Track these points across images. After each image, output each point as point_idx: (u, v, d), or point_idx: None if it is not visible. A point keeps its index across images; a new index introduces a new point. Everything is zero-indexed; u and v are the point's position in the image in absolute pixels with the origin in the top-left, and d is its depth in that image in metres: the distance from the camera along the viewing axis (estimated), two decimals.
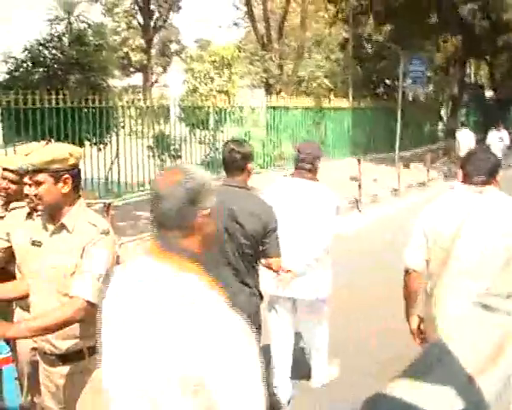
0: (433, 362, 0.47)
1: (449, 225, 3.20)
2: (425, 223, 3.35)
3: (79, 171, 2.93)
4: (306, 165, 4.35)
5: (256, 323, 3.52)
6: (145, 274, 1.83)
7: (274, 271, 3.86)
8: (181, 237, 1.83)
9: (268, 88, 23.46)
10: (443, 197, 3.46)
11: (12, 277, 3.26)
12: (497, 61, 36.59)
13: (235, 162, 3.66)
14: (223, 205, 2.91)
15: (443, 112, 32.62)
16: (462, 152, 17.26)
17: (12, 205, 3.58)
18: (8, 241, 3.39)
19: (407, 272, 3.41)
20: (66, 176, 2.80)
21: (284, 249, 3.74)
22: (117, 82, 37.28)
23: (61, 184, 2.79)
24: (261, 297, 3.83)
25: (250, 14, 26.18)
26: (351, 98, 21.69)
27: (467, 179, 3.31)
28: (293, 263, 4.03)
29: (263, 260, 3.75)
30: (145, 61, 38.79)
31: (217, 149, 16.01)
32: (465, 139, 16.91)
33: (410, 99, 25.20)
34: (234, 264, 3.59)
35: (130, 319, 1.80)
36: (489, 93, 40.69)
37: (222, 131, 16.25)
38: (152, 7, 37.60)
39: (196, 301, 1.71)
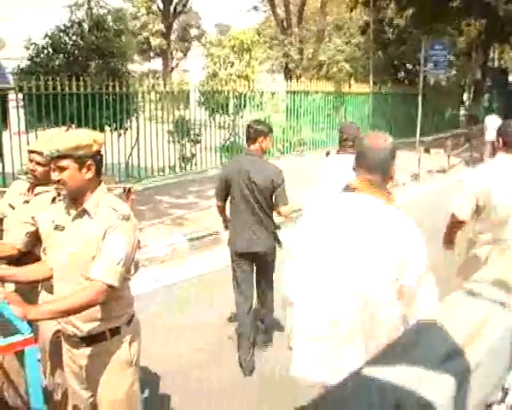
0: (410, 345, 0.54)
1: (504, 188, 3.99)
2: (476, 185, 4.12)
3: (102, 157, 3.00)
4: (349, 142, 5.04)
5: (271, 257, 5.05)
6: (357, 203, 2.62)
7: (283, 216, 5.08)
8: (382, 179, 2.66)
9: (288, 73, 23.39)
10: (490, 163, 4.34)
11: (38, 260, 3.31)
12: None
13: (250, 135, 4.99)
14: (242, 167, 4.89)
15: (465, 97, 32.25)
16: (490, 137, 17.61)
17: (37, 189, 3.66)
18: (34, 225, 3.46)
19: (453, 217, 4.22)
20: (90, 162, 2.87)
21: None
22: (137, 67, 37.40)
23: (84, 170, 2.86)
24: (277, 240, 5.05)
25: None
26: (371, 83, 21.54)
27: (508, 148, 4.17)
28: None
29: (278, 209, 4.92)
30: (165, 46, 38.79)
31: (236, 133, 16.06)
32: (494, 124, 17.11)
33: (432, 84, 24.97)
34: (254, 211, 4.89)
35: (347, 233, 2.55)
36: None
37: (241, 117, 16.28)
38: None
39: (398, 220, 2.54)
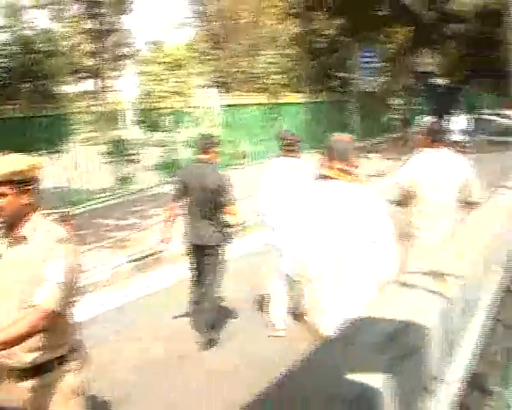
0: (350, 335, 0.56)
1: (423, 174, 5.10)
2: (405, 174, 5.29)
3: (39, 181, 2.94)
4: (288, 147, 6.00)
5: (218, 250, 5.82)
6: (336, 187, 3.54)
7: (230, 215, 5.75)
8: (348, 166, 3.60)
9: (223, 87, 23.50)
10: (418, 156, 5.34)
11: None
12: (446, 49, 37.36)
13: (203, 147, 5.88)
14: (195, 173, 5.82)
15: (397, 102, 33.15)
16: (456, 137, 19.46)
17: None
18: None
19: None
20: (28, 187, 2.82)
21: (276, 209, 5.61)
22: (70, 88, 36.75)
23: (22, 196, 2.81)
24: (224, 235, 5.85)
25: (202, 13, 26.19)
26: (305, 93, 21.88)
27: (433, 143, 5.26)
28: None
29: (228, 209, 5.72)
30: (97, 66, 38.28)
31: (174, 150, 15.99)
32: (460, 123, 19.41)
33: (364, 90, 25.57)
34: (205, 210, 5.75)
35: (335, 208, 3.48)
36: (440, 81, 41.51)
37: (178, 132, 16.23)
38: (102, 10, 37.01)
39: (369, 195, 3.55)
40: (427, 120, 17.37)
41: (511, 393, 2.48)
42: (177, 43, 21.60)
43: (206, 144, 5.92)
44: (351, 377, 0.42)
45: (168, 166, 15.70)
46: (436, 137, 5.30)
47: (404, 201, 5.18)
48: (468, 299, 0.63)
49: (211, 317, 5.91)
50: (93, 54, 39.11)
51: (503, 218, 0.85)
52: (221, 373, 5.22)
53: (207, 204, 5.75)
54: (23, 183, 2.80)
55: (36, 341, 2.81)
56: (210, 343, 5.80)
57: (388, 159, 17.63)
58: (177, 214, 6.12)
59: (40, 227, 2.87)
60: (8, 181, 2.76)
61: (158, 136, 15.88)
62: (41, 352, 2.87)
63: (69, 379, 2.97)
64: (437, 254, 0.70)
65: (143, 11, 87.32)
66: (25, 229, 2.86)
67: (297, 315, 3.83)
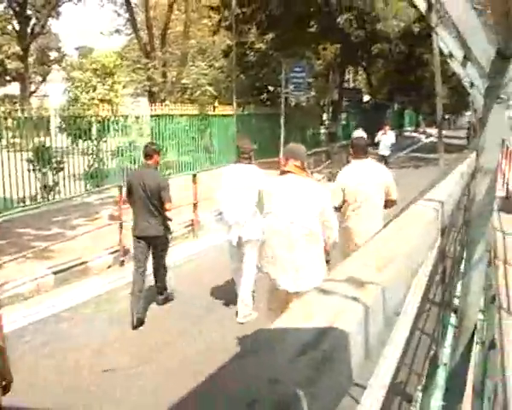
0: (263, 344, 0.56)
1: (353, 181, 6.15)
2: (339, 181, 6.33)
3: None
4: (245, 155, 6.82)
5: (161, 240, 7.09)
6: (293, 179, 4.84)
7: (167, 210, 6.93)
8: (302, 165, 4.95)
9: (152, 96, 23.28)
10: (347, 167, 6.45)
11: None
12: (372, 68, 38.60)
13: (148, 153, 7.06)
14: (139, 175, 6.97)
15: (324, 116, 33.88)
16: (383, 151, 20.45)
17: None
18: None
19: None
20: None
21: (232, 207, 6.67)
22: None
23: None
24: (166, 228, 7.14)
25: (132, 21, 25.88)
26: (235, 105, 22.00)
27: (356, 155, 6.37)
28: (239, 215, 6.65)
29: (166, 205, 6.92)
30: (22, 70, 36.99)
31: (101, 159, 15.68)
32: (387, 139, 20.45)
33: (293, 105, 25.97)
34: (148, 206, 6.88)
35: (291, 193, 4.79)
36: (367, 97, 42.79)
37: (105, 141, 15.94)
38: (29, 12, 35.77)
39: (313, 185, 4.96)
40: (354, 134, 18.15)
41: (432, 400, 2.58)
42: (107, 51, 21.19)
43: (149, 151, 7.09)
44: (270, 383, 0.43)
45: (94, 176, 15.38)
46: (358, 151, 6.38)
47: (341, 205, 6.25)
48: (388, 307, 0.65)
49: (161, 293, 7.34)
50: (18, 57, 37.79)
51: (420, 229, 0.90)
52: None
53: (149, 202, 6.88)
54: None
55: None
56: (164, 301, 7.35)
57: (312, 172, 17.93)
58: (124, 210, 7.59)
59: None
60: None
61: (84, 144, 15.54)
62: None
63: None
64: (356, 263, 0.72)
65: (72, 16, 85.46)
66: None
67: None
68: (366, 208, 6.13)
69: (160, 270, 7.28)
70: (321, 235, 4.87)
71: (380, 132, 22.07)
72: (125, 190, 7.31)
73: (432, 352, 3.07)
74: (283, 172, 4.98)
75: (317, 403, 0.51)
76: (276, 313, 4.93)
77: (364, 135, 6.58)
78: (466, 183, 2.97)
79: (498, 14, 1.75)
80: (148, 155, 7.07)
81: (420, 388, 2.92)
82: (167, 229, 7.19)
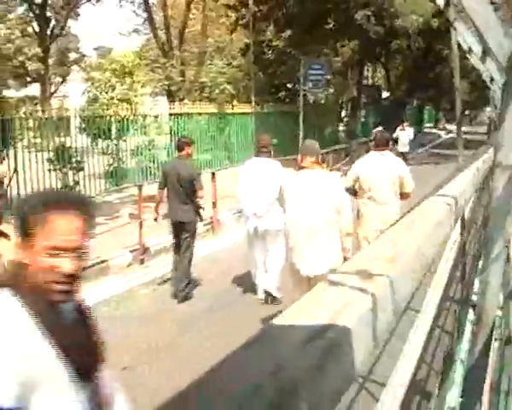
0: (274, 333, 0.57)
1: (370, 170, 6.69)
2: (354, 170, 6.97)
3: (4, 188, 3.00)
4: (264, 149, 7.26)
5: (191, 226, 7.66)
6: (309, 174, 5.27)
7: (199, 197, 7.53)
8: (317, 160, 5.39)
9: (170, 95, 23.39)
10: (366, 156, 7.16)
11: None
12: (391, 64, 38.35)
13: (180, 146, 7.76)
14: (174, 166, 7.65)
15: (343, 114, 33.77)
16: (401, 148, 20.29)
17: None
18: None
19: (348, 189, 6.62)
20: None
21: (251, 198, 7.11)
22: (13, 93, 35.74)
23: None
24: (199, 215, 7.73)
25: (150, 20, 26.02)
26: (253, 103, 22.02)
27: (376, 147, 6.92)
28: (257, 206, 7.04)
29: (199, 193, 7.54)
30: (42, 71, 37.35)
31: (120, 158, 15.79)
32: (405, 135, 20.30)
33: (312, 102, 25.91)
34: (181, 194, 7.48)
35: (307, 187, 5.21)
36: (385, 94, 42.53)
37: (125, 141, 16.05)
38: (48, 14, 36.09)
39: (332, 178, 5.43)
40: (375, 130, 18.57)
41: (448, 396, 2.57)
42: (126, 51, 21.34)
43: (181, 144, 7.74)
44: (275, 370, 0.44)
45: (113, 175, 15.49)
46: (379, 142, 6.94)
47: (355, 190, 6.84)
48: (396, 298, 0.66)
49: (183, 278, 7.59)
50: (38, 58, 38.18)
51: (432, 224, 0.90)
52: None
53: (182, 190, 7.48)
54: None
55: None
56: (185, 298, 7.50)
57: (331, 170, 17.90)
58: (162, 199, 7.84)
59: None
60: None
61: (104, 143, 15.67)
62: None
63: None
64: (366, 255, 0.73)
65: (91, 17, 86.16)
66: None
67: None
68: (378, 198, 6.61)
69: (184, 260, 7.64)
70: (337, 223, 5.26)
71: (398, 129, 21.97)
72: (159, 180, 8.07)
73: (449, 348, 3.06)
74: (301, 168, 5.41)
75: (323, 391, 0.52)
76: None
77: (378, 130, 7.14)
78: (483, 179, 2.96)
79: None
80: (180, 148, 7.74)
81: (437, 384, 2.92)
82: (199, 215, 7.76)
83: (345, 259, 5.25)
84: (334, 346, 0.55)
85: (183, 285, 7.56)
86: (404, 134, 21.53)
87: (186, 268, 7.66)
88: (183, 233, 7.63)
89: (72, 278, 1.77)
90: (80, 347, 1.78)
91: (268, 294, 7.37)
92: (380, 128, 20.07)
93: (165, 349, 6.02)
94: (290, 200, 5.39)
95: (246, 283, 8.01)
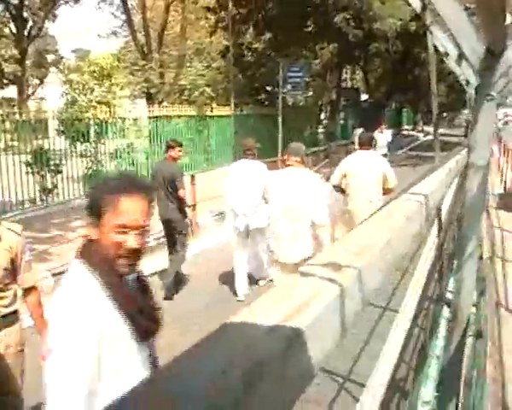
0: (240, 321, 0.59)
1: (355, 167, 7.47)
2: (341, 167, 7.73)
3: None
4: (249, 152, 7.73)
5: (178, 224, 7.94)
6: (292, 171, 5.72)
7: (181, 195, 7.79)
8: (301, 160, 5.78)
9: (150, 98, 23.35)
10: (351, 155, 7.95)
11: None
12: (370, 67, 38.67)
13: (167, 148, 8.16)
14: (160, 167, 8.15)
15: (322, 116, 33.93)
16: (379, 150, 20.24)
17: None
18: None
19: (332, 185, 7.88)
20: None
21: (240, 198, 7.49)
22: None
23: None
24: (183, 212, 7.94)
25: (129, 23, 25.95)
26: (232, 105, 22.06)
27: (362, 147, 7.72)
28: (246, 206, 7.45)
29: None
30: (19, 73, 37.00)
31: (99, 161, 15.71)
32: (383, 138, 20.43)
33: (291, 104, 26.02)
34: (167, 194, 7.82)
35: (290, 181, 5.69)
36: (364, 96, 42.86)
37: (103, 144, 15.98)
38: (25, 15, 35.70)
39: (308, 175, 5.81)
40: (357, 132, 19.23)
41: (424, 391, 2.62)
42: (104, 53, 21.24)
43: (167, 146, 8.22)
44: (245, 350, 0.47)
45: (92, 178, 15.41)
46: (364, 142, 7.78)
47: (342, 188, 7.62)
48: (365, 289, 0.69)
49: (171, 274, 7.95)
50: (15, 60, 37.80)
51: (402, 220, 0.93)
52: None
53: (167, 190, 7.84)
54: None
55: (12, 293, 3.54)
56: (167, 297, 7.71)
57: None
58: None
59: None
60: None
61: (82, 146, 15.58)
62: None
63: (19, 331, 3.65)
64: (337, 248, 0.76)
65: (69, 18, 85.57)
66: None
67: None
68: (365, 193, 7.31)
69: (174, 255, 8.08)
70: (310, 215, 5.72)
71: (376, 131, 22.17)
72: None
73: (423, 345, 3.11)
74: (287, 166, 5.98)
75: (289, 375, 0.55)
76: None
77: (362, 132, 7.79)
78: (460, 179, 3.02)
79: (485, 12, 1.79)
80: (166, 150, 8.23)
81: (413, 382, 2.97)
82: (183, 213, 7.99)
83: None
84: (302, 332, 0.58)
85: (170, 280, 7.89)
86: (383, 137, 21.69)
87: (173, 265, 8.07)
88: (173, 231, 8.05)
89: (137, 253, 2.01)
90: (143, 313, 2.03)
91: (257, 279, 8.26)
92: (361, 129, 20.30)
93: None
94: (275, 193, 5.90)
95: (227, 284, 8.08)
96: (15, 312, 3.62)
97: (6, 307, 3.52)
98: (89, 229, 2.03)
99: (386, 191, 7.36)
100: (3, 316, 3.50)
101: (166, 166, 8.00)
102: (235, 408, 0.45)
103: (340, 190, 7.72)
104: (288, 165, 5.90)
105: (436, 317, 3.44)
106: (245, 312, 0.60)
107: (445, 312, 3.28)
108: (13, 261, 3.56)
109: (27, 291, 3.67)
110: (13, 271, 3.55)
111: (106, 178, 2.11)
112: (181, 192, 7.84)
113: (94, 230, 2.00)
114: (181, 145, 8.36)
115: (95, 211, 1.99)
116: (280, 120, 20.72)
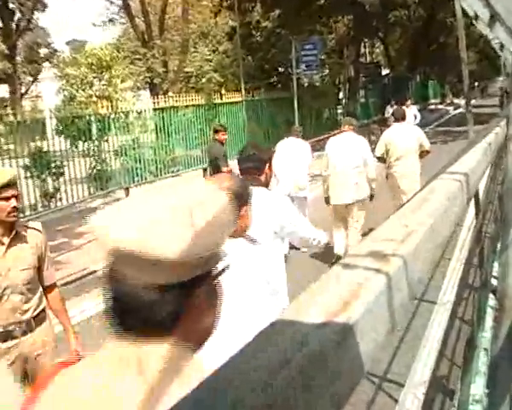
0: (288, 319, 0.62)
1: (396, 139, 9.12)
2: (383, 138, 9.38)
3: None
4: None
5: None
6: (348, 134, 8.33)
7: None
8: (352, 128, 8.42)
9: (153, 89, 23.39)
10: (391, 128, 9.59)
11: None
12: (390, 38, 38.40)
13: (214, 132, 10.66)
14: (208, 149, 11.19)
15: (341, 95, 33.79)
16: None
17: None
18: None
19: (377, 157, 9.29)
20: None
21: (289, 172, 9.11)
22: None
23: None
24: None
25: (126, 8, 25.96)
26: (243, 91, 22.05)
27: (397, 120, 9.44)
28: (294, 178, 9.13)
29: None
30: (10, 70, 37.11)
31: (103, 160, 15.80)
32: (409, 114, 19.81)
33: (306, 86, 25.94)
34: (211, 171, 9.92)
35: (347, 145, 8.18)
36: (386, 71, 42.58)
37: (107, 141, 16.06)
38: (11, 6, 35.59)
39: (360, 139, 8.43)
40: (390, 109, 20.10)
41: (473, 387, 2.62)
42: (102, 43, 21.35)
43: (214, 128, 10.49)
44: (299, 345, 0.49)
45: (97, 179, 15.50)
46: (398, 115, 9.51)
47: (383, 156, 9.22)
48: (411, 278, 0.70)
49: None
50: (5, 56, 37.90)
51: (443, 202, 0.92)
52: None
53: (210, 167, 9.92)
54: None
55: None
56: None
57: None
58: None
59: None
60: (14, 184, 3.56)
61: (84, 145, 15.67)
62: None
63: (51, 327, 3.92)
64: (379, 236, 0.76)
65: (61, 8, 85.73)
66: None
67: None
68: (406, 158, 9.05)
69: None
70: (362, 168, 8.02)
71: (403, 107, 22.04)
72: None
73: (470, 337, 3.11)
74: (341, 132, 8.51)
75: (343, 368, 0.58)
76: (340, 227, 8.51)
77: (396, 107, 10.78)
78: (496, 154, 3.00)
79: None
80: (214, 133, 10.37)
81: (459, 377, 2.96)
82: None
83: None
84: (354, 325, 0.61)
85: None
86: (409, 113, 21.56)
87: None
88: None
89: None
90: None
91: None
92: (394, 106, 20.24)
93: None
94: (335, 150, 8.22)
95: None
96: (44, 309, 3.85)
97: (38, 305, 3.76)
98: None
99: (422, 154, 9.17)
100: (36, 315, 3.73)
101: (212, 147, 10.27)
102: (294, 403, 0.48)
103: (382, 160, 9.37)
104: (344, 131, 8.38)
105: (480, 306, 3.43)
106: (294, 306, 0.62)
107: (491, 300, 3.27)
108: (39, 260, 3.81)
109: (49, 288, 3.92)
110: (39, 269, 3.82)
111: None
112: (224, 170, 9.08)
113: None
114: (225, 130, 10.46)
115: None
116: (295, 103, 20.67)
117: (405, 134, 9.25)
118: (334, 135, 9.16)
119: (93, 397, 1.11)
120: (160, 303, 1.10)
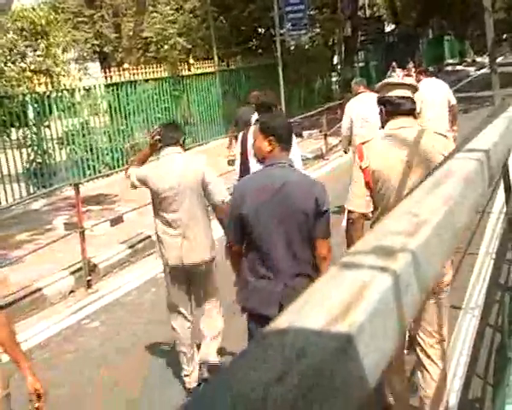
0: (289, 322, 0.66)
1: (426, 93, 11.03)
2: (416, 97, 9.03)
3: None
4: (360, 85, 11.40)
5: None
6: (365, 94, 10.64)
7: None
8: (367, 88, 11.25)
9: (105, 59, 23.23)
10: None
11: None
12: None
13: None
14: (240, 114, 14.15)
15: (336, 59, 33.79)
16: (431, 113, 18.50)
17: None
18: None
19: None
20: None
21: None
22: None
23: None
24: None
25: None
26: (216, 59, 21.98)
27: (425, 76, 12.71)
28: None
29: None
30: None
31: (44, 151, 15.65)
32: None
33: (293, 49, 25.92)
34: None
35: (365, 103, 10.05)
36: (390, 27, 42.67)
37: (48, 126, 15.90)
38: None
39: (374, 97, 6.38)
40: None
41: (509, 402, 2.68)
42: (34, 2, 21.07)
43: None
44: (298, 356, 0.53)
45: (37, 174, 15.34)
46: (423, 71, 12.45)
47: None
48: (423, 275, 0.74)
49: None
50: None
51: (460, 185, 0.96)
52: None
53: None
54: None
55: None
56: None
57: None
58: None
59: None
60: None
61: (19, 133, 15.50)
62: None
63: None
64: (385, 229, 0.79)
65: None
66: None
67: None
68: (438, 112, 11.04)
69: None
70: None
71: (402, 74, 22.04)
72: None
73: (500, 346, 3.17)
74: (358, 93, 10.89)
75: (352, 374, 0.62)
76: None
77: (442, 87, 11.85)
78: None
79: None
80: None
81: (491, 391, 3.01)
82: None
83: None
84: (358, 331, 0.64)
85: None
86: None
87: None
88: None
89: None
90: None
91: None
92: (394, 68, 20.30)
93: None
94: (356, 109, 10.44)
95: None
96: None
97: None
98: None
99: (451, 108, 11.53)
100: None
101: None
102: None
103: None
104: (360, 92, 10.72)
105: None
106: (290, 311, 0.66)
107: None
108: None
109: None
110: None
111: None
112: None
113: None
114: None
115: None
116: (280, 70, 20.61)
117: (435, 88, 11.62)
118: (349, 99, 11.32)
119: None
120: None
